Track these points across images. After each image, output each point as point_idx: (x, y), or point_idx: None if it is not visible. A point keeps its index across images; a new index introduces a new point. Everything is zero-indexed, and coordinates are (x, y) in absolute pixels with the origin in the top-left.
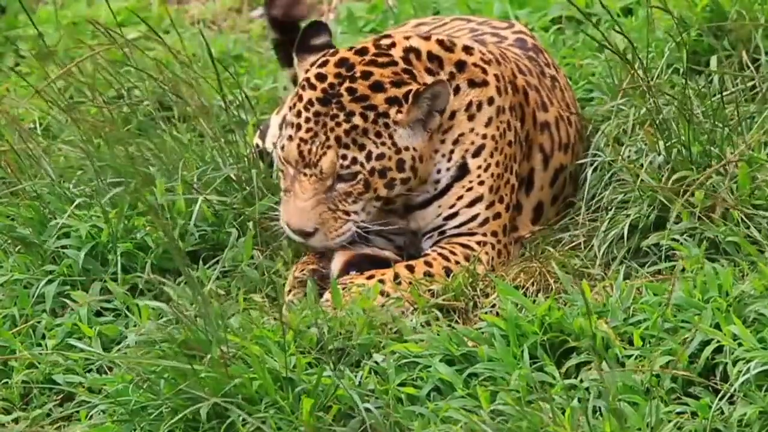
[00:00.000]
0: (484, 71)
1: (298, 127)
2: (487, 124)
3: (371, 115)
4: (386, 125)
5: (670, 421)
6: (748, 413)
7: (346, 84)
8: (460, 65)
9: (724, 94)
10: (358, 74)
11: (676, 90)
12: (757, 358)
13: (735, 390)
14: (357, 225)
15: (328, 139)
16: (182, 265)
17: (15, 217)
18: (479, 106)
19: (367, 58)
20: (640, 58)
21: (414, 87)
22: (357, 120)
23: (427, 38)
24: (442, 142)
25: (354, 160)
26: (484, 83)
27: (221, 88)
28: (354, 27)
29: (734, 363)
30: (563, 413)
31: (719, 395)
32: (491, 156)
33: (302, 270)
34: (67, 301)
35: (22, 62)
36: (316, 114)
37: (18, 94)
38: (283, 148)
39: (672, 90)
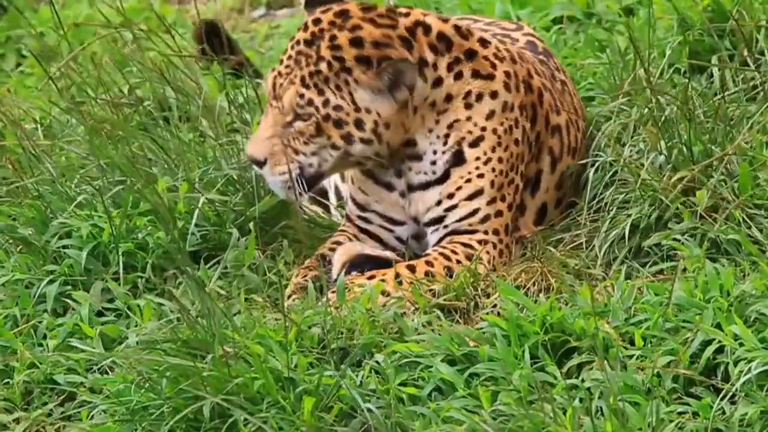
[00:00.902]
0: (494, 66)
1: (281, 62)
2: (489, 117)
3: (336, 66)
4: (347, 81)
5: (671, 421)
6: (749, 413)
7: (334, 31)
8: (470, 54)
9: (726, 94)
10: (348, 26)
11: (678, 89)
12: (758, 358)
13: (736, 390)
14: (304, 170)
15: (295, 77)
16: (184, 265)
17: (17, 216)
18: (479, 97)
19: (369, 15)
20: (641, 57)
21: (396, 55)
22: (323, 66)
23: (445, 20)
24: (437, 122)
25: (310, 102)
26: (490, 77)
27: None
28: None
29: (735, 363)
30: (564, 413)
31: (720, 395)
32: (492, 150)
33: (304, 276)
34: (69, 301)
35: (24, 62)
36: (298, 53)
37: (20, 94)
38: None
39: (674, 89)
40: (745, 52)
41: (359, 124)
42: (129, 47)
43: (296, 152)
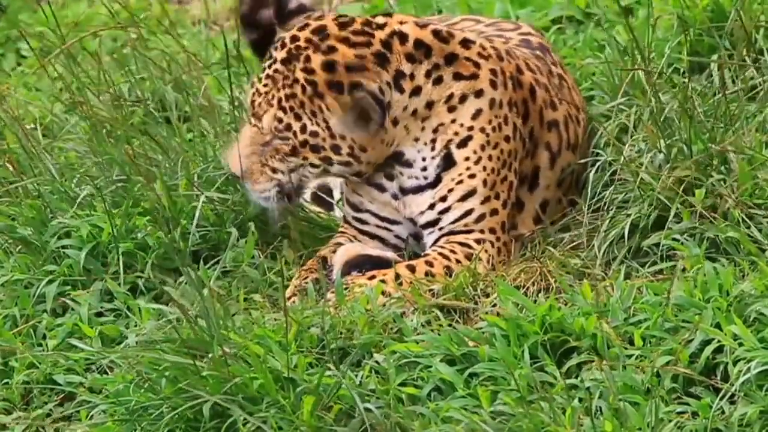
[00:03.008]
0: (477, 65)
1: (260, 80)
2: (475, 117)
3: (310, 90)
4: (320, 108)
5: (670, 421)
6: (748, 413)
7: (309, 51)
8: (450, 58)
9: (726, 93)
10: (323, 47)
11: (677, 89)
12: (757, 358)
13: (735, 390)
14: (283, 187)
15: (273, 98)
16: (183, 265)
17: (16, 216)
18: (462, 99)
19: (344, 33)
20: (642, 54)
21: (368, 79)
22: (297, 90)
23: (423, 26)
24: (422, 129)
25: (288, 126)
26: (473, 77)
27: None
28: None
29: (735, 363)
30: (564, 413)
31: (720, 395)
32: (482, 149)
33: (304, 278)
34: (68, 301)
35: (23, 62)
36: (276, 71)
37: (20, 93)
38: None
39: (673, 89)
40: (745, 52)
41: (336, 149)
42: (131, 45)
43: (273, 171)
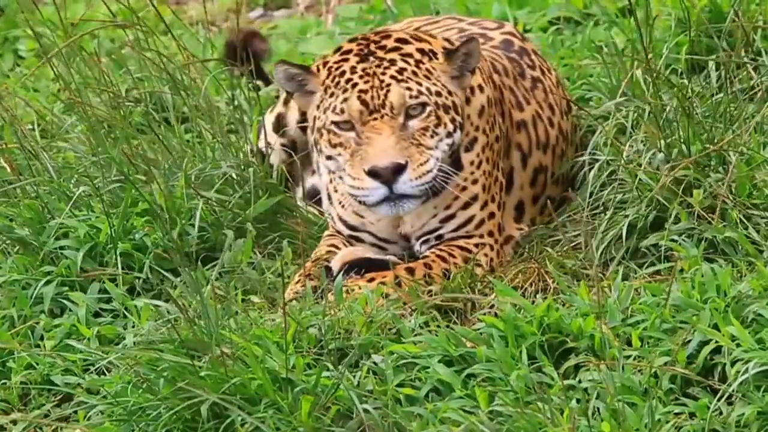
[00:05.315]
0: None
1: (353, 87)
2: (480, 114)
3: (411, 60)
4: (428, 70)
5: (668, 422)
6: (746, 413)
7: (373, 47)
8: None
9: (723, 95)
10: (377, 38)
11: (676, 89)
12: (755, 359)
13: (733, 390)
14: (437, 166)
15: (384, 81)
16: (181, 264)
17: (14, 217)
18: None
19: (375, 37)
20: (645, 49)
21: (435, 45)
22: (400, 64)
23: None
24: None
25: (419, 92)
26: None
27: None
28: (347, 29)
29: (732, 363)
30: (562, 414)
31: (717, 396)
32: (482, 152)
33: (303, 285)
34: (66, 302)
35: (21, 63)
36: (364, 69)
37: (18, 94)
38: (339, 109)
39: (672, 89)
40: (743, 53)
41: (455, 108)
42: (129, 45)
43: (428, 147)
